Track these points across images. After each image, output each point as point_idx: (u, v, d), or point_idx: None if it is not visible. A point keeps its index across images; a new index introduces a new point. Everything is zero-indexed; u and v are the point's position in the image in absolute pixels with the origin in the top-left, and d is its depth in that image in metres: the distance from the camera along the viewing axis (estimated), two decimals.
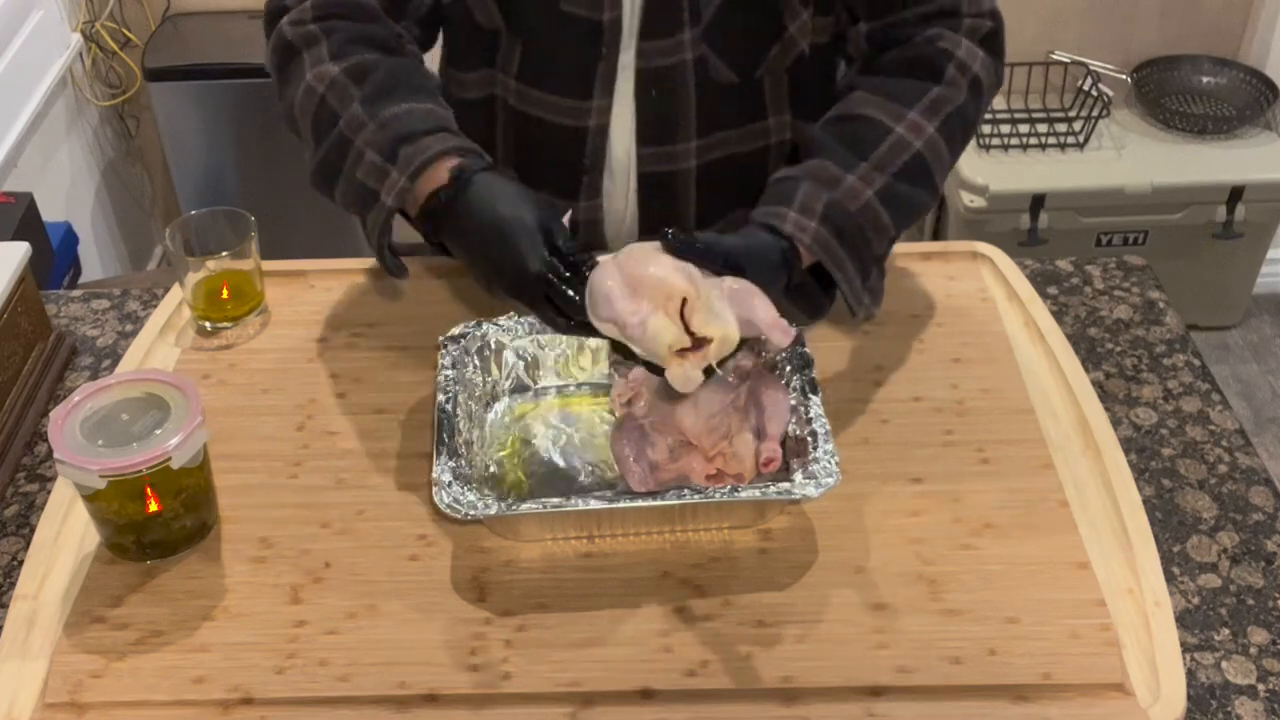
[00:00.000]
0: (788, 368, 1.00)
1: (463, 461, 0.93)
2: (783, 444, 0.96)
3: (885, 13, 1.09)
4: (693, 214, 1.19)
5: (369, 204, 1.00)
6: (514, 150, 1.19)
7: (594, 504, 0.90)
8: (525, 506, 0.90)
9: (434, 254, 1.14)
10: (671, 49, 1.10)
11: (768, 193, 1.02)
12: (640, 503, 0.90)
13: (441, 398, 0.97)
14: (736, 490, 0.90)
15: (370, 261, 1.24)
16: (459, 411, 0.97)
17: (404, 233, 1.05)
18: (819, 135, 1.05)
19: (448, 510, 0.88)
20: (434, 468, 0.91)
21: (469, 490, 0.90)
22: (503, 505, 0.90)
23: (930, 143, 1.03)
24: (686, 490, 0.90)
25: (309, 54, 1.05)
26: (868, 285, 1.03)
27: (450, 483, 0.90)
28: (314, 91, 1.04)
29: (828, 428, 0.94)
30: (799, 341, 1.01)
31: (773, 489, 0.90)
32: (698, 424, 0.95)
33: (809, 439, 0.93)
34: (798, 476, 0.91)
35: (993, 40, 1.08)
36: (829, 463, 0.91)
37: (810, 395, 0.96)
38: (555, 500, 0.90)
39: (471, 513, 0.88)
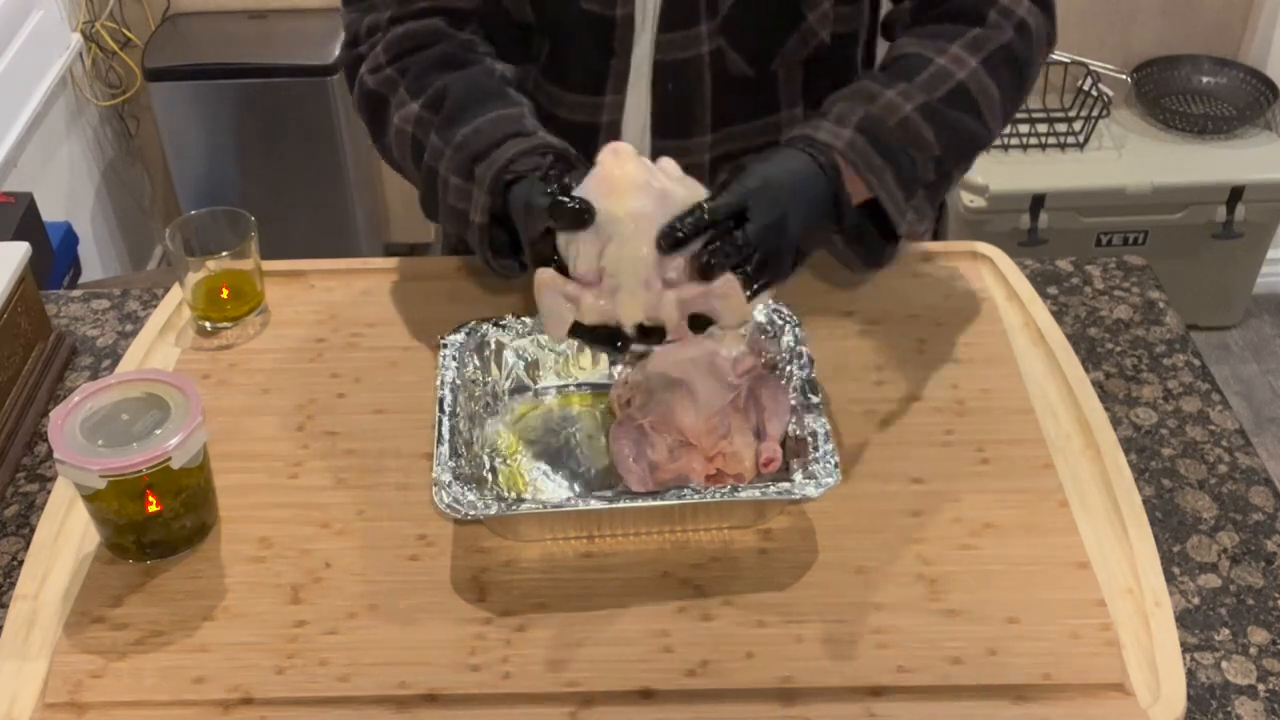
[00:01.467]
0: (788, 368, 1.00)
1: (463, 461, 0.93)
2: (783, 444, 0.96)
3: None
4: None
5: (465, 225, 1.03)
6: None
7: (594, 504, 0.90)
8: (525, 506, 0.90)
9: (439, 254, 1.15)
10: (688, 42, 1.10)
11: (807, 117, 1.01)
12: (640, 503, 0.90)
13: (441, 397, 0.97)
14: (736, 490, 0.90)
15: (370, 261, 1.24)
16: (459, 411, 0.97)
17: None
18: (863, 72, 1.05)
19: (447, 510, 0.88)
20: (434, 468, 0.91)
21: (469, 490, 0.90)
22: (503, 505, 0.90)
23: (974, 75, 1.02)
24: (686, 490, 0.90)
25: (393, 98, 1.09)
26: (912, 204, 1.00)
27: (450, 483, 0.90)
28: (404, 133, 1.07)
29: (828, 428, 0.94)
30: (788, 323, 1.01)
31: (773, 489, 0.90)
32: (697, 424, 0.95)
33: (809, 439, 0.93)
34: (798, 476, 0.91)
35: None
36: (829, 463, 0.91)
37: (810, 395, 0.96)
38: (555, 500, 0.90)
39: (471, 513, 0.88)
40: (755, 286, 0.89)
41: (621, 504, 0.90)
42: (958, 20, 1.06)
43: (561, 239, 0.89)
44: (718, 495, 0.89)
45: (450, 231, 1.06)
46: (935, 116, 1.00)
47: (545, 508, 0.90)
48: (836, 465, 0.91)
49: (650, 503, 0.90)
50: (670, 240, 0.86)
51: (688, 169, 1.14)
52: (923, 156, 1.00)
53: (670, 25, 1.10)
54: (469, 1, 1.13)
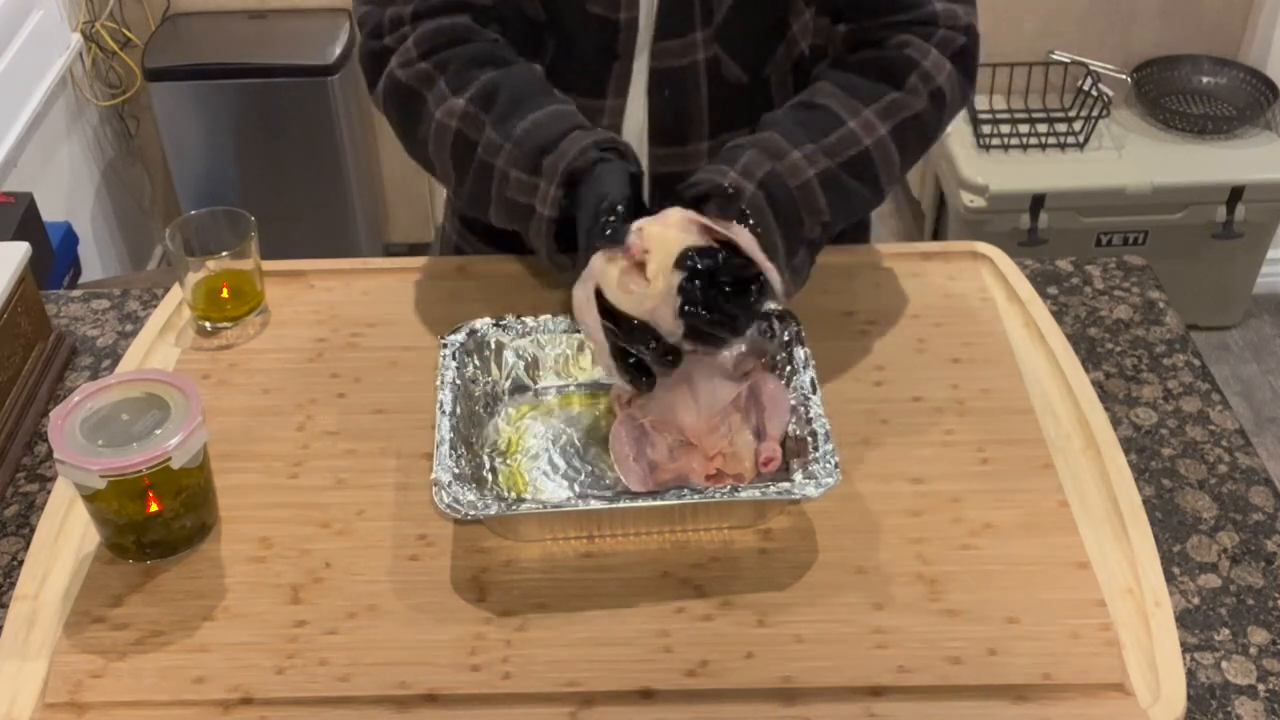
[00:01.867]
0: (788, 368, 1.00)
1: (463, 461, 0.93)
2: (783, 444, 0.96)
3: (862, 16, 1.10)
4: None
5: (527, 218, 1.02)
6: None
7: (594, 504, 0.90)
8: (525, 506, 0.90)
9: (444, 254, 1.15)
10: (685, 49, 1.11)
11: (716, 157, 1.03)
12: (640, 503, 0.90)
13: (442, 397, 0.97)
14: (736, 490, 0.90)
15: (370, 261, 1.24)
16: (459, 411, 0.97)
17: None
18: (776, 115, 1.07)
19: (447, 510, 0.88)
20: (434, 468, 0.91)
21: (469, 490, 0.90)
22: (502, 505, 0.90)
23: (880, 143, 1.05)
24: (686, 490, 0.90)
25: (430, 93, 1.07)
26: (792, 263, 1.03)
27: (450, 483, 0.90)
28: (447, 128, 1.06)
29: (828, 428, 0.94)
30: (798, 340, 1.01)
31: (773, 489, 0.91)
32: (698, 424, 0.95)
33: (809, 439, 0.93)
34: (798, 476, 0.91)
35: (964, 56, 1.09)
36: (829, 463, 0.91)
37: (810, 395, 0.96)
38: (555, 500, 0.90)
39: (471, 513, 0.88)
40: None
41: (621, 504, 0.90)
42: (879, 74, 1.07)
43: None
44: (718, 495, 0.89)
45: (502, 225, 1.06)
46: (833, 183, 1.03)
47: (545, 508, 0.90)
48: (836, 465, 0.91)
49: (650, 503, 0.90)
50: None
51: (684, 176, 1.15)
52: (812, 220, 1.03)
53: (666, 33, 1.10)
54: None
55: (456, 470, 0.91)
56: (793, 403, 0.97)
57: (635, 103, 1.14)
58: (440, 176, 1.10)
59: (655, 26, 1.10)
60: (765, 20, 1.11)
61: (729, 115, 1.14)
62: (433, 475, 0.90)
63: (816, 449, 0.92)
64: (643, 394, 0.96)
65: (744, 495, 0.90)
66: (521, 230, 1.04)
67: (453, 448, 0.93)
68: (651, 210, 0.96)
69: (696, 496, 0.89)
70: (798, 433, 0.95)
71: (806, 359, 1.00)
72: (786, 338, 1.02)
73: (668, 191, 1.16)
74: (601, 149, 0.99)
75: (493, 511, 0.89)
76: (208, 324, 1.15)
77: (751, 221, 0.95)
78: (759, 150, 1.02)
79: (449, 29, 1.09)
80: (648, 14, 1.10)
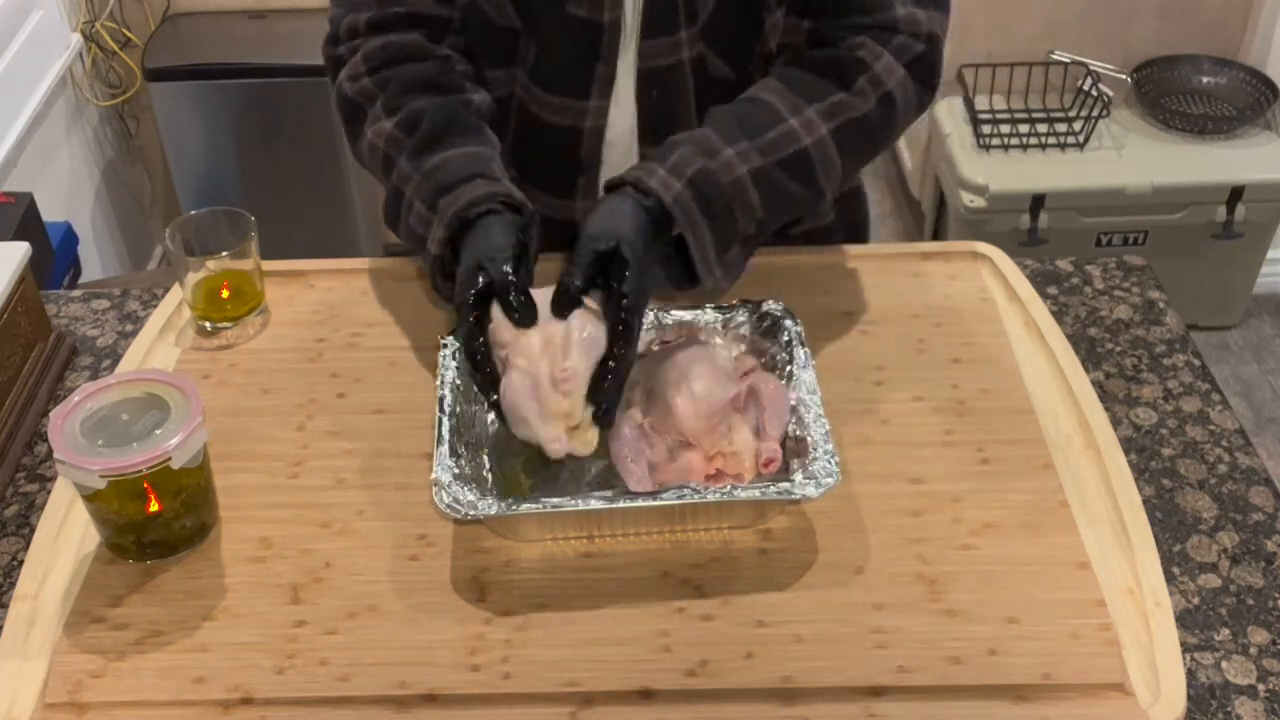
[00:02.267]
0: (788, 368, 1.00)
1: (463, 461, 0.93)
2: (783, 444, 0.96)
3: (824, 15, 1.09)
4: None
5: (422, 249, 1.06)
6: (519, 149, 1.20)
7: (594, 504, 0.90)
8: (525, 507, 0.90)
9: None
10: (671, 48, 1.11)
11: (651, 153, 1.04)
12: (640, 503, 0.90)
13: (441, 397, 0.97)
14: (736, 490, 0.90)
15: (370, 261, 1.24)
16: (459, 411, 0.97)
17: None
18: (717, 110, 1.07)
19: (447, 510, 0.88)
20: (434, 468, 0.91)
21: (469, 490, 0.90)
22: (502, 505, 0.90)
23: (820, 143, 1.05)
24: (686, 490, 0.90)
25: (370, 111, 1.11)
26: (724, 259, 1.03)
27: (450, 483, 0.90)
28: (376, 148, 1.10)
29: (828, 428, 0.94)
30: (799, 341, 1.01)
31: (773, 489, 0.91)
32: (697, 424, 0.95)
33: (809, 439, 0.93)
34: (798, 476, 0.91)
35: (920, 63, 1.08)
36: (829, 463, 0.91)
37: (810, 395, 0.96)
38: (555, 500, 0.90)
39: (471, 513, 0.88)
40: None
41: (621, 504, 0.90)
42: (827, 74, 1.07)
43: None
44: (717, 495, 0.89)
45: (407, 244, 1.09)
46: (767, 181, 1.03)
47: (545, 508, 0.90)
48: (836, 465, 0.91)
49: (650, 503, 0.90)
50: (562, 306, 0.92)
51: None
52: (746, 216, 1.03)
53: (652, 33, 1.10)
54: (449, 10, 1.14)
55: (456, 470, 0.91)
56: (793, 403, 0.97)
57: (623, 103, 1.14)
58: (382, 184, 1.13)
59: (641, 26, 1.10)
60: (744, 16, 1.11)
61: None
62: (433, 475, 0.90)
63: (816, 449, 0.92)
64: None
65: (743, 495, 0.90)
66: (420, 256, 1.07)
67: (452, 448, 0.93)
68: (531, 261, 0.99)
69: (696, 496, 0.89)
70: (798, 433, 0.95)
71: (806, 359, 1.00)
72: (786, 338, 1.02)
73: None
74: (496, 201, 1.01)
75: (493, 511, 0.89)
76: (208, 324, 1.15)
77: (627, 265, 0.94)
78: (692, 146, 1.02)
79: (396, 46, 1.11)
80: (633, 14, 1.10)
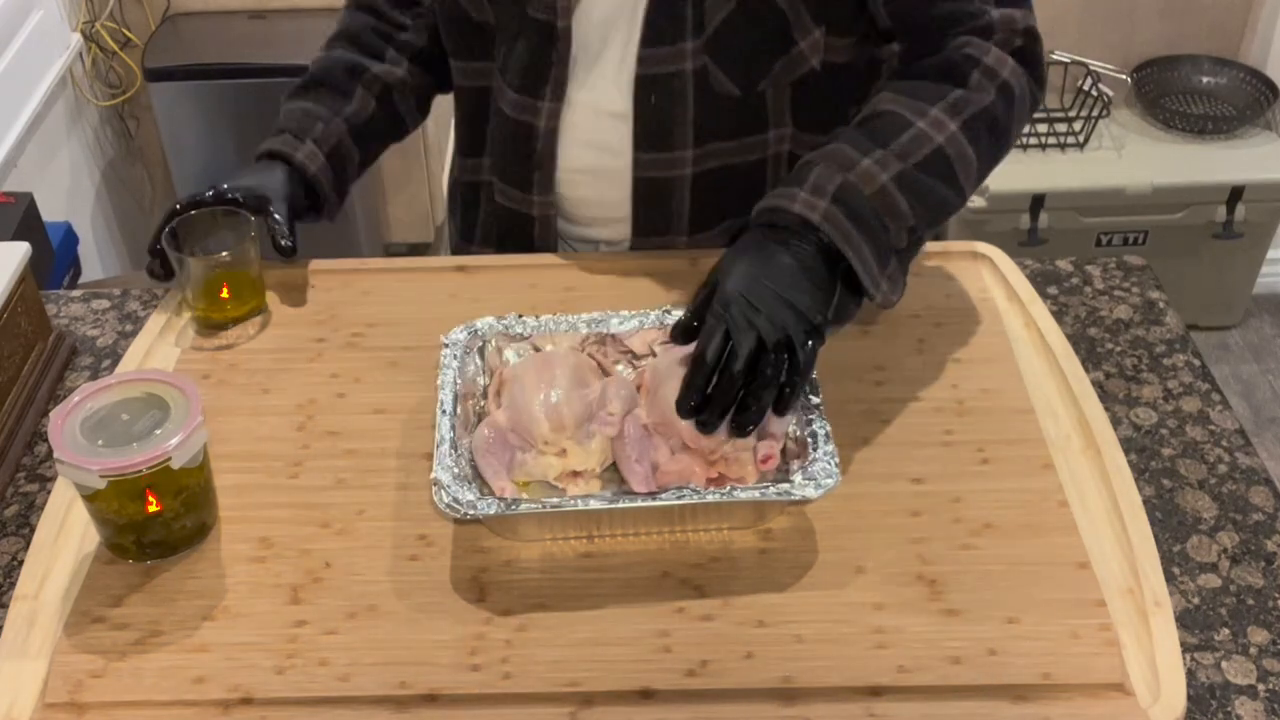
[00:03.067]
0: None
1: (463, 461, 0.93)
2: (783, 449, 0.96)
3: (915, 33, 1.08)
4: (687, 220, 1.19)
5: None
6: (492, 140, 1.23)
7: (594, 504, 0.90)
8: (525, 507, 0.90)
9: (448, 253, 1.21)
10: (672, 57, 1.11)
11: (785, 179, 1.01)
12: (640, 503, 0.90)
13: (442, 397, 0.97)
14: (735, 491, 0.90)
15: (370, 261, 1.24)
16: (459, 411, 0.97)
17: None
18: (841, 130, 1.04)
19: (447, 510, 0.88)
20: (434, 468, 0.91)
21: (469, 490, 0.90)
22: (502, 505, 0.90)
23: (953, 139, 1.01)
24: (686, 490, 0.90)
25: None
26: (886, 273, 0.99)
27: (450, 483, 0.90)
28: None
29: (828, 428, 0.94)
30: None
31: (772, 490, 0.90)
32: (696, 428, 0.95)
33: (809, 439, 0.93)
34: (797, 477, 0.91)
35: (1025, 55, 1.07)
36: (829, 463, 0.91)
37: (810, 395, 0.96)
38: (555, 500, 0.90)
39: (471, 513, 0.88)
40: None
41: (622, 504, 0.90)
42: (941, 79, 1.05)
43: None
44: (717, 496, 0.89)
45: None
46: (911, 185, 0.99)
47: (545, 507, 0.90)
48: (836, 466, 0.91)
49: (650, 503, 0.90)
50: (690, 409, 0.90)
51: (669, 182, 1.16)
52: (897, 225, 0.99)
53: (654, 40, 1.10)
54: (402, 18, 1.27)
55: (456, 470, 0.91)
56: None
57: (622, 106, 1.14)
58: None
59: (642, 31, 1.10)
60: (763, 36, 1.11)
61: (717, 126, 1.14)
62: (432, 475, 0.90)
63: (816, 449, 0.92)
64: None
65: (743, 496, 0.90)
66: None
67: (453, 447, 0.93)
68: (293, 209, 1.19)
69: (695, 497, 0.89)
70: (798, 433, 0.95)
71: None
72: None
73: (652, 196, 1.17)
74: (274, 151, 1.20)
75: (493, 511, 0.89)
76: (207, 324, 1.15)
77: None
78: (826, 164, 0.99)
79: (349, 24, 1.29)
80: (630, 19, 1.10)
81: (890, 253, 1.00)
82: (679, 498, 0.89)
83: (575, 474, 0.96)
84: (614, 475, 0.98)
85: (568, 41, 1.13)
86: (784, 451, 0.96)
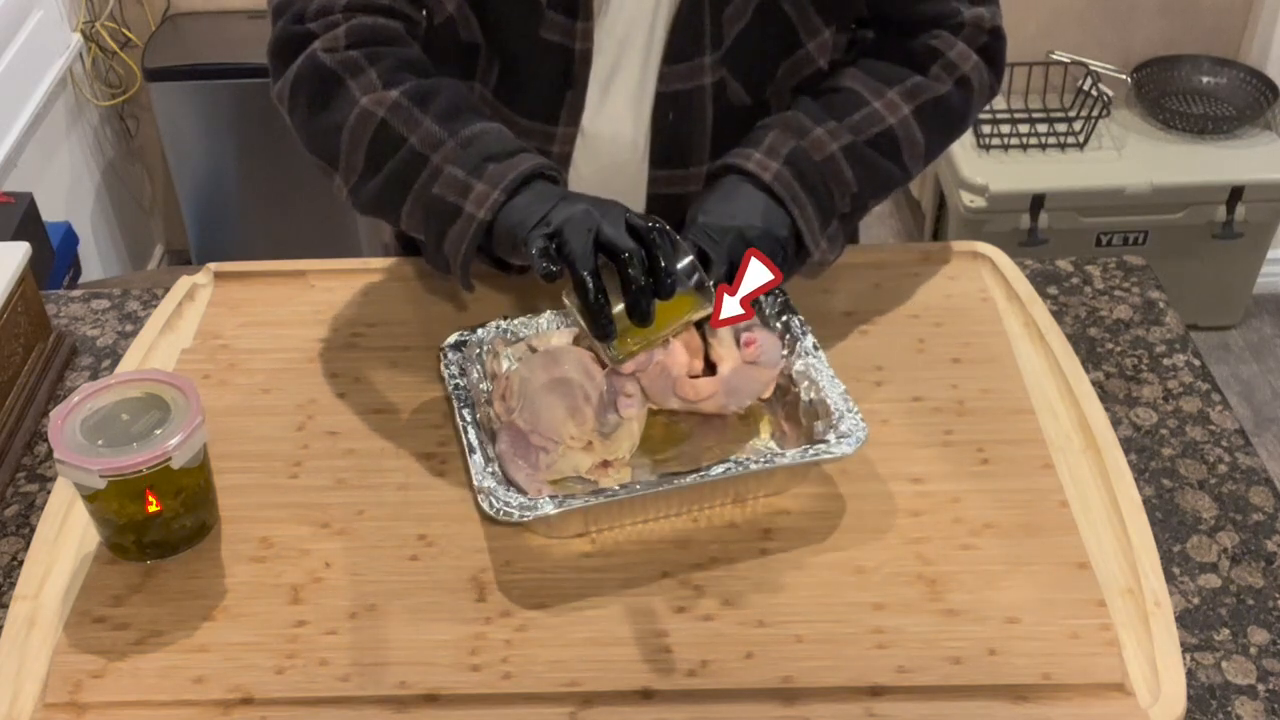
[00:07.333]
0: (786, 335, 1.04)
1: (495, 467, 0.93)
2: (799, 409, 1.00)
3: (888, 27, 1.13)
4: None
5: (449, 218, 1.00)
6: None
7: (645, 489, 0.91)
8: (578, 502, 0.89)
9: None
10: (692, 73, 1.10)
11: (743, 140, 1.08)
12: (690, 480, 0.91)
13: (458, 406, 0.97)
14: (776, 458, 0.93)
15: (370, 261, 1.24)
16: (478, 418, 0.97)
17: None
18: (800, 98, 1.11)
19: (501, 516, 0.88)
20: (473, 476, 0.91)
21: (513, 493, 0.90)
22: (555, 503, 0.89)
23: (904, 123, 1.08)
24: (729, 463, 0.92)
25: (356, 81, 1.04)
26: (826, 233, 1.07)
27: (494, 488, 0.90)
28: (371, 116, 1.02)
29: (843, 388, 0.97)
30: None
31: (811, 451, 0.93)
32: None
33: (829, 400, 0.97)
34: (830, 437, 0.94)
35: (988, 51, 1.13)
36: (855, 419, 0.95)
37: (814, 355, 1.01)
38: (611, 489, 0.91)
39: (529, 515, 0.88)
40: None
41: (674, 484, 0.91)
42: (904, 63, 1.11)
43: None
44: (759, 465, 0.92)
45: (412, 224, 1.03)
46: (859, 157, 1.07)
47: (602, 498, 0.89)
48: (862, 420, 0.94)
49: (699, 479, 0.91)
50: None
51: (683, 197, 1.16)
52: (841, 192, 1.07)
53: (675, 57, 1.10)
54: (418, 13, 1.12)
55: (496, 475, 0.91)
56: (799, 366, 1.01)
57: (639, 125, 1.13)
58: (343, 167, 1.05)
59: (665, 50, 1.09)
60: (773, 41, 1.12)
61: (730, 137, 1.14)
62: (474, 483, 0.91)
63: (838, 407, 0.96)
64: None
65: (785, 461, 0.93)
66: (430, 231, 1.02)
67: (485, 454, 0.93)
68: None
69: (739, 469, 0.91)
70: (814, 395, 0.98)
71: (803, 324, 1.03)
72: (776, 309, 1.06)
73: (664, 211, 1.16)
74: (552, 169, 1.00)
75: (551, 510, 0.88)
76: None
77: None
78: (781, 129, 1.07)
79: (384, 29, 1.07)
80: (649, 37, 1.09)
81: (833, 215, 1.08)
82: (725, 472, 0.91)
83: (605, 464, 0.97)
84: (640, 460, 0.99)
85: (586, 65, 1.10)
86: (808, 413, 0.99)
